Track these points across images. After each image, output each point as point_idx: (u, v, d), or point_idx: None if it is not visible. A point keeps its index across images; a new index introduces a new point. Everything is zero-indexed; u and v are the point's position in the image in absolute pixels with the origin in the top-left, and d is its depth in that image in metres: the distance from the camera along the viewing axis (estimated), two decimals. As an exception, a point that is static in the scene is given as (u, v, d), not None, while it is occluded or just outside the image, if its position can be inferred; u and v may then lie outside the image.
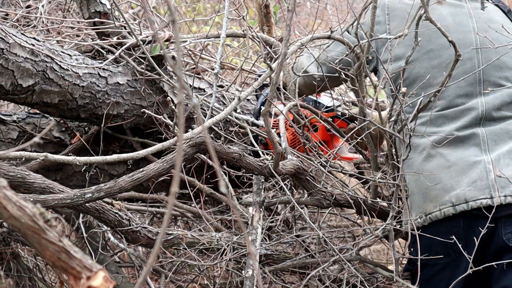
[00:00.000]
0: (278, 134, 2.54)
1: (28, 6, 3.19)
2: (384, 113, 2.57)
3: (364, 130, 2.46)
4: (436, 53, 2.38)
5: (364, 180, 2.69)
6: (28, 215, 1.13)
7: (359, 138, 2.45)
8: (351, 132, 2.49)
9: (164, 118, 2.48)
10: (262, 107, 2.75)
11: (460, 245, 2.21)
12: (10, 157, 2.22)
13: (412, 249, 2.33)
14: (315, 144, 2.59)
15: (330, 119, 2.71)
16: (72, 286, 1.15)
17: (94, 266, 1.15)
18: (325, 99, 2.80)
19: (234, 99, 2.91)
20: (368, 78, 2.47)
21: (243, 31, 2.84)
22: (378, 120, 2.47)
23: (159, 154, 2.44)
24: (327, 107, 2.72)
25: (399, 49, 2.37)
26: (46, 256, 1.15)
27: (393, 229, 2.39)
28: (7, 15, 3.05)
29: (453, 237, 2.23)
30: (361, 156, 2.70)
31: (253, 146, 2.61)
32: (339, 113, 2.75)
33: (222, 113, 2.34)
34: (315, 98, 2.76)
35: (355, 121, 2.64)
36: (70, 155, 2.55)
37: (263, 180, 2.51)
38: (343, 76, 2.38)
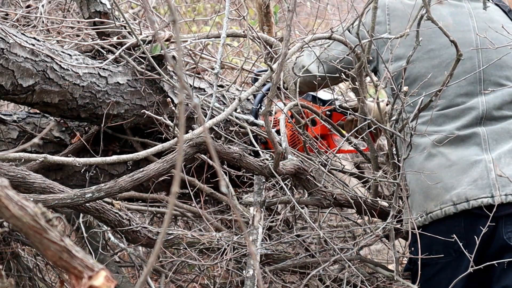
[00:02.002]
0: (277, 131, 2.54)
1: (28, 6, 3.19)
2: (383, 105, 2.57)
3: (364, 130, 2.46)
4: (436, 53, 2.38)
5: (364, 179, 2.69)
6: (30, 214, 1.13)
7: (360, 135, 2.45)
8: (352, 132, 2.48)
9: (165, 119, 2.48)
10: (261, 106, 2.74)
11: (461, 244, 2.21)
12: (9, 158, 2.21)
13: (412, 249, 2.33)
14: (314, 140, 2.59)
15: (328, 113, 2.70)
16: (73, 285, 1.15)
17: (95, 265, 1.15)
18: (323, 94, 2.80)
19: (234, 98, 2.91)
20: (368, 78, 2.47)
21: (243, 31, 2.84)
22: (377, 112, 2.48)
23: (159, 154, 2.44)
24: (325, 102, 2.72)
25: (399, 49, 2.37)
26: (48, 256, 1.15)
27: (394, 228, 2.39)
28: (7, 15, 3.05)
29: (454, 236, 2.23)
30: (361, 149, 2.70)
31: (253, 145, 2.61)
32: (337, 107, 2.72)
33: (222, 114, 2.34)
34: (314, 94, 2.75)
35: (353, 113, 2.63)
36: (70, 156, 2.55)
37: (264, 180, 2.51)
38: (344, 76, 2.38)
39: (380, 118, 2.46)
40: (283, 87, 2.68)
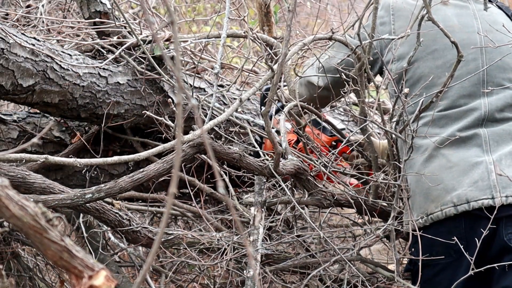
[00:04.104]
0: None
1: (28, 6, 3.19)
2: (383, 145, 2.58)
3: (365, 131, 2.46)
4: (440, 53, 2.38)
5: (364, 180, 2.69)
6: (30, 214, 1.12)
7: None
8: (347, 138, 2.48)
9: (165, 119, 2.47)
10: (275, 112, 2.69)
11: (461, 246, 2.21)
12: (10, 159, 2.21)
13: (413, 249, 2.33)
14: (316, 143, 2.58)
15: (334, 143, 2.67)
16: (74, 285, 1.14)
17: (96, 265, 1.14)
18: (332, 120, 2.76)
19: (234, 98, 2.91)
20: (371, 82, 2.47)
21: (244, 32, 2.84)
22: (383, 147, 2.49)
23: (160, 154, 2.44)
24: (332, 133, 2.67)
25: (404, 48, 2.37)
26: (48, 256, 1.15)
27: (394, 229, 2.39)
28: (7, 15, 3.05)
29: (455, 237, 2.23)
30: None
31: (254, 146, 2.61)
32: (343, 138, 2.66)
33: (223, 114, 2.33)
34: (321, 122, 2.69)
35: (358, 147, 2.62)
36: (71, 157, 2.54)
37: (265, 180, 2.50)
38: (344, 76, 2.38)
39: (384, 154, 2.48)
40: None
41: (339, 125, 2.75)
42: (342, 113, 3.22)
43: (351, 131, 2.81)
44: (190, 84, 2.74)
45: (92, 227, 3.20)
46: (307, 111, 2.56)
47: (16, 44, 2.48)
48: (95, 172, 2.92)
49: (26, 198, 1.14)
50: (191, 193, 2.70)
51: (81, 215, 3.16)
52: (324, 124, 2.67)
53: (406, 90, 2.28)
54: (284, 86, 2.70)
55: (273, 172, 2.31)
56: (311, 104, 2.55)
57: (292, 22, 2.06)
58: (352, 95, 3.06)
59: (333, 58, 2.51)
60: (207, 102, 2.71)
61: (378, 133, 3.02)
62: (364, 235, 2.68)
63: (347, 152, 2.69)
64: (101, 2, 2.80)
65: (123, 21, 2.79)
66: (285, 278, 2.86)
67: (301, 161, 2.41)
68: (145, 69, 2.76)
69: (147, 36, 2.74)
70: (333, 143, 2.68)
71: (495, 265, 2.20)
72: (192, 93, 2.68)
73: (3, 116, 2.87)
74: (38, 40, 2.59)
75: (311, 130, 2.59)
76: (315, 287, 2.69)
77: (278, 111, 2.63)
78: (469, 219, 2.26)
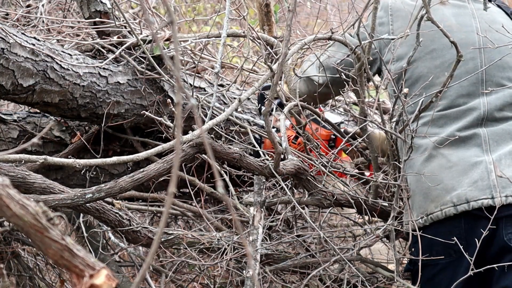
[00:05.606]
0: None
1: (28, 6, 3.19)
2: (383, 135, 2.58)
3: (365, 131, 2.46)
4: (439, 53, 2.38)
5: (364, 180, 2.69)
6: (31, 213, 1.13)
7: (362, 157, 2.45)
8: (348, 135, 2.48)
9: (165, 120, 2.47)
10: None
11: (461, 246, 2.21)
12: (9, 159, 2.21)
13: (413, 249, 2.33)
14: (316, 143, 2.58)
15: (333, 137, 2.67)
16: (75, 284, 1.15)
17: (97, 264, 1.15)
18: (331, 116, 2.76)
19: (234, 98, 2.91)
20: (371, 82, 2.47)
21: (243, 31, 2.84)
22: (382, 139, 2.48)
23: (160, 154, 2.44)
24: (326, 125, 2.67)
25: (402, 48, 2.37)
26: (49, 255, 1.15)
27: (394, 229, 2.39)
28: (7, 14, 3.05)
29: (454, 237, 2.23)
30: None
31: (254, 146, 2.61)
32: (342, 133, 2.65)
33: (222, 114, 2.33)
34: (319, 119, 2.69)
35: (358, 138, 2.61)
36: (70, 158, 2.54)
37: (264, 180, 2.50)
38: (344, 76, 2.38)
39: (384, 144, 2.48)
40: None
41: (337, 119, 2.74)
42: (342, 113, 3.23)
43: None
44: (190, 83, 2.74)
45: (92, 227, 3.20)
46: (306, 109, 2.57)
47: (16, 44, 2.48)
48: (95, 172, 2.92)
49: (26, 198, 1.14)
50: (192, 193, 2.70)
51: (81, 215, 3.16)
52: (323, 124, 2.67)
53: (405, 90, 2.28)
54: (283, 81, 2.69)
55: (274, 172, 2.31)
56: (311, 103, 2.55)
57: (292, 21, 2.06)
58: (352, 94, 3.06)
59: (332, 57, 2.51)
60: (207, 101, 2.71)
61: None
62: (364, 235, 2.68)
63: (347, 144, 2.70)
64: (101, 2, 2.80)
65: (123, 20, 2.79)
66: (285, 278, 2.86)
67: (301, 161, 2.41)
68: (145, 69, 2.76)
69: (147, 36, 2.75)
70: (332, 136, 2.69)
71: (494, 265, 2.20)
72: (192, 93, 2.68)
73: (3, 116, 2.87)
74: (38, 40, 2.59)
75: (309, 126, 2.59)
76: (315, 287, 2.69)
77: (276, 108, 2.63)
78: (469, 219, 2.26)
